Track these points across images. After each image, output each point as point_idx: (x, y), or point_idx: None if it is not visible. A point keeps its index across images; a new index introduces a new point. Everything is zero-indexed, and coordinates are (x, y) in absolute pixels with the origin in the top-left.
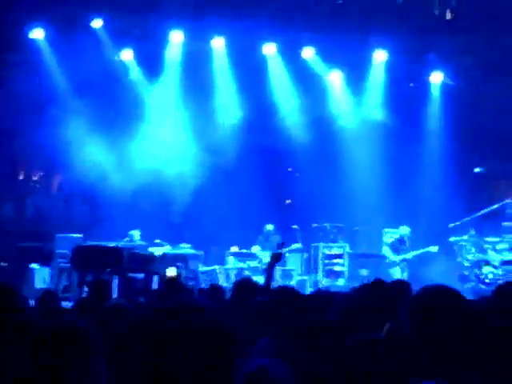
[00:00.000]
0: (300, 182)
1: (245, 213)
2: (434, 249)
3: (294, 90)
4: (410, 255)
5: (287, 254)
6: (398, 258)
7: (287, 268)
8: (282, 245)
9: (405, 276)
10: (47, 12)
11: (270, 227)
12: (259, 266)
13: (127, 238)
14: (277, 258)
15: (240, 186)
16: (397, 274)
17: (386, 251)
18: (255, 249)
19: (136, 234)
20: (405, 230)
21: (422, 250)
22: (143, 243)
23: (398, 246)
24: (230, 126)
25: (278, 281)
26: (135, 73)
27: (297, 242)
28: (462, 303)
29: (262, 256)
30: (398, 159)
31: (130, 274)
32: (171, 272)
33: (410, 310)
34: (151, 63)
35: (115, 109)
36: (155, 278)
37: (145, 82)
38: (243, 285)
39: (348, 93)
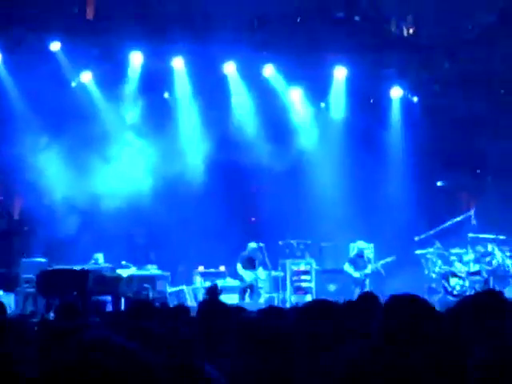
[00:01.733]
0: (265, 199)
1: (211, 232)
2: (390, 259)
3: (255, 108)
4: (369, 269)
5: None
6: (358, 274)
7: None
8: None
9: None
10: (4, 34)
11: (253, 245)
12: (230, 284)
13: (92, 261)
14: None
15: (204, 206)
16: (357, 290)
17: (347, 267)
18: (222, 268)
19: (100, 256)
20: (362, 244)
21: (380, 262)
22: (109, 265)
23: (357, 261)
24: (192, 145)
25: (245, 299)
26: (95, 94)
27: (265, 262)
28: (430, 310)
29: (242, 275)
30: (361, 174)
31: (97, 297)
32: None
33: (382, 319)
34: (111, 85)
35: (76, 131)
36: (122, 301)
37: (105, 103)
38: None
39: (309, 108)
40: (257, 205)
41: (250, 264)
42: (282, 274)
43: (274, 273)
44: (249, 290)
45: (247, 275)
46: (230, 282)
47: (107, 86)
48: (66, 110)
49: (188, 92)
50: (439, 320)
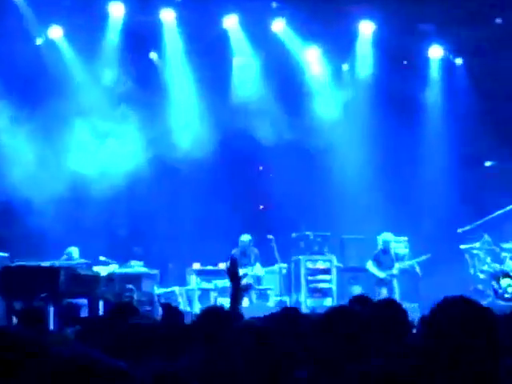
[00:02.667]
0: (275, 183)
1: (209, 222)
2: (425, 257)
3: (261, 71)
4: (396, 269)
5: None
6: (384, 274)
7: (263, 287)
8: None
9: (396, 295)
10: None
11: (245, 238)
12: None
13: (64, 257)
14: (232, 275)
15: (200, 190)
16: (383, 293)
17: (370, 266)
18: (223, 265)
19: (74, 251)
20: (388, 236)
21: (413, 261)
22: (85, 261)
23: (382, 258)
24: (185, 117)
25: (254, 302)
26: (67, 54)
27: (274, 256)
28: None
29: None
30: (392, 152)
31: (70, 300)
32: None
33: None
34: (86, 43)
35: (42, 99)
36: (101, 304)
37: (78, 65)
38: (212, 316)
39: (328, 71)
40: (265, 188)
41: (245, 261)
42: (284, 266)
43: (278, 266)
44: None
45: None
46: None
47: (81, 44)
48: (30, 75)
49: (180, 52)
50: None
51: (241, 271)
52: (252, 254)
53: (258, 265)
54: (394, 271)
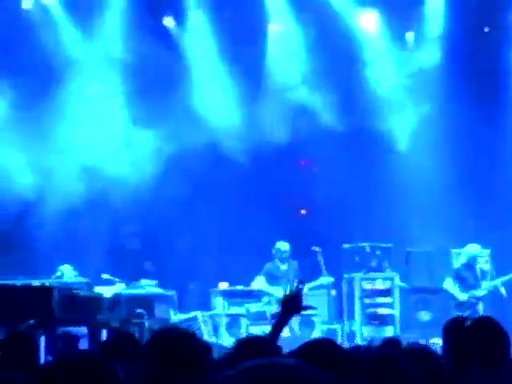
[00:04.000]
0: (320, 181)
1: (238, 232)
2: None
3: (304, 41)
4: (484, 289)
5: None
6: (466, 296)
7: (306, 312)
8: (301, 285)
9: None
10: None
11: (283, 247)
12: (266, 309)
13: (58, 273)
14: (293, 306)
15: (229, 192)
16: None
17: (449, 285)
18: (257, 284)
19: (67, 269)
20: (474, 249)
21: (499, 280)
22: (83, 280)
23: (465, 275)
24: (209, 100)
25: (296, 332)
26: (60, 20)
27: (321, 273)
28: None
29: (272, 293)
30: (469, 147)
31: (66, 328)
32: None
33: None
34: (84, 6)
35: (33, 75)
36: (104, 333)
37: (74, 33)
38: (248, 347)
39: (389, 42)
40: (308, 190)
41: (281, 276)
42: (331, 279)
43: (324, 279)
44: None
45: (278, 292)
46: (266, 307)
47: (78, 7)
48: (14, 44)
49: (202, 17)
50: None
51: (278, 290)
52: (290, 267)
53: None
54: (481, 292)
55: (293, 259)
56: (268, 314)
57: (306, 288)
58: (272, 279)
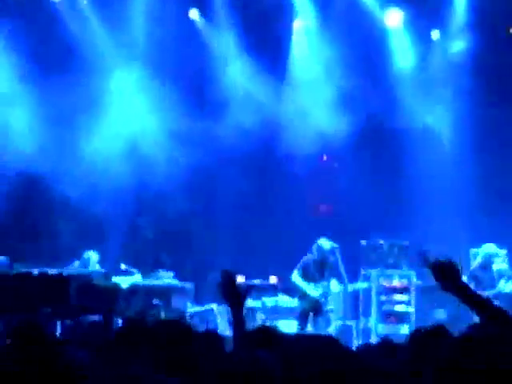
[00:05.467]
0: (340, 177)
1: (256, 226)
2: None
3: (326, 37)
4: (500, 288)
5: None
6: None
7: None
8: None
9: None
10: None
11: (326, 243)
12: (285, 304)
13: (76, 263)
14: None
15: (246, 185)
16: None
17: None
18: (274, 279)
19: (93, 256)
20: (491, 248)
21: (507, 287)
22: (101, 270)
23: (481, 274)
24: (231, 94)
25: (307, 326)
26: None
27: (338, 271)
28: None
29: (303, 288)
30: (491, 146)
31: (81, 316)
32: None
33: None
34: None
35: (56, 67)
36: (118, 322)
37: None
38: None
39: (414, 40)
40: (327, 186)
41: (317, 273)
42: (366, 285)
43: (351, 287)
44: (312, 314)
45: (310, 290)
46: (284, 300)
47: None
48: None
49: (224, 11)
50: None
51: (311, 287)
52: (329, 265)
53: (334, 280)
54: (495, 291)
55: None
56: (298, 309)
57: (335, 286)
58: (308, 276)
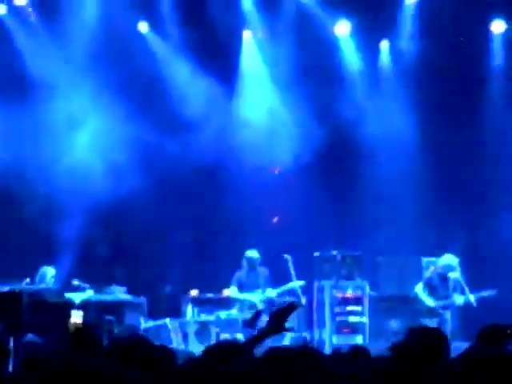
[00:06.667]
0: (292, 189)
1: (209, 239)
2: (487, 293)
3: (279, 50)
4: (453, 300)
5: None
6: (433, 303)
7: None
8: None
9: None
10: None
11: (253, 254)
12: (238, 316)
13: (27, 280)
14: (280, 322)
15: (202, 199)
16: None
17: (419, 290)
18: (228, 292)
19: (50, 271)
20: (449, 260)
21: (472, 296)
22: (53, 286)
23: (437, 284)
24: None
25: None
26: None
27: (291, 281)
28: None
29: (244, 298)
30: (444, 152)
31: (32, 335)
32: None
33: None
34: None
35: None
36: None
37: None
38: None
39: (362, 50)
40: (279, 198)
41: (252, 283)
42: (301, 282)
43: (294, 283)
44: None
45: (250, 297)
46: (237, 314)
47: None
48: None
49: (172, 23)
50: None
51: (250, 296)
52: (261, 274)
53: (269, 289)
54: (449, 302)
55: (263, 266)
56: (240, 321)
57: (275, 292)
58: (243, 288)
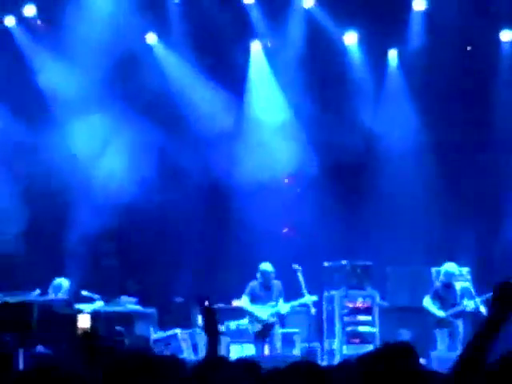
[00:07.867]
0: (303, 200)
1: (220, 250)
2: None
3: (288, 60)
4: (463, 307)
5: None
6: (443, 313)
7: (287, 330)
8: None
9: (459, 340)
10: None
11: (267, 267)
12: (249, 328)
13: (37, 291)
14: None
15: (214, 210)
16: (441, 338)
17: (428, 303)
18: (238, 302)
19: (64, 283)
20: (451, 267)
21: (478, 300)
22: (63, 297)
23: (444, 294)
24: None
25: (277, 350)
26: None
27: (301, 291)
28: None
29: (253, 312)
30: (452, 163)
31: (42, 347)
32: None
33: None
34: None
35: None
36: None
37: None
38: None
39: (371, 60)
40: (290, 209)
41: (266, 296)
42: (315, 298)
43: (307, 298)
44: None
45: (260, 312)
46: (248, 325)
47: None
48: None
49: (181, 33)
50: None
51: (260, 309)
52: (274, 287)
53: (281, 301)
54: (459, 309)
55: (276, 279)
56: (250, 332)
57: (288, 307)
58: (256, 300)
